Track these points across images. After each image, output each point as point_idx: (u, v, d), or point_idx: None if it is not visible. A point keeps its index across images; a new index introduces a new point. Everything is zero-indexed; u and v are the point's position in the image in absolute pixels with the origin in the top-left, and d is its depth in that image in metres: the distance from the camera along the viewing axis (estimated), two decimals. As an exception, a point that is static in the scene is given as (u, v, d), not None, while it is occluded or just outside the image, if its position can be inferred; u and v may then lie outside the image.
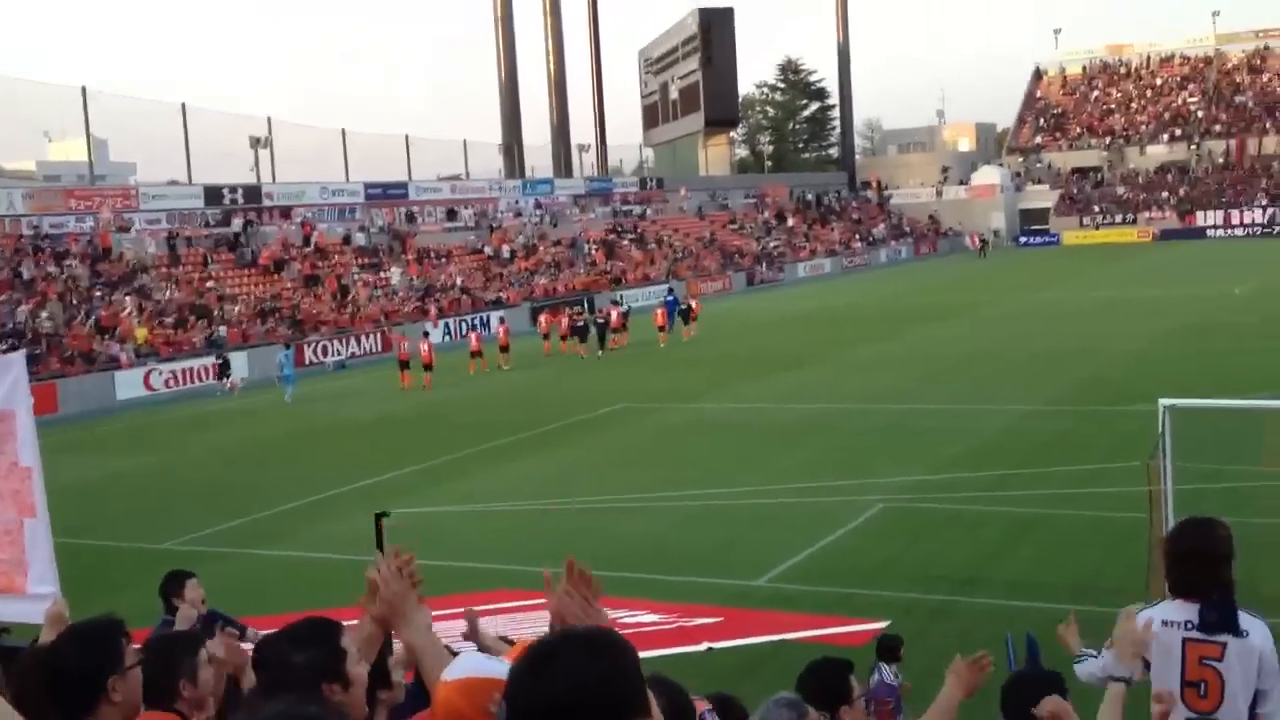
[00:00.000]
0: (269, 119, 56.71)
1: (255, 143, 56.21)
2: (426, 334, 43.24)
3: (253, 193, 53.26)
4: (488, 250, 59.80)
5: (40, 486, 8.09)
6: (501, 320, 47.03)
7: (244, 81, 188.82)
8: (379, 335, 46.17)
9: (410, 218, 59.58)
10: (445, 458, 24.97)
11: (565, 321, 43.51)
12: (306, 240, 52.39)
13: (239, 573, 16.85)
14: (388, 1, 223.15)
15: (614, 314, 44.57)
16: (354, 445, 27.75)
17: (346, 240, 54.65)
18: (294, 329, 44.12)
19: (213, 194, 51.23)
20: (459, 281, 53.93)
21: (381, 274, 52.29)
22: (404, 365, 37.10)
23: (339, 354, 44.33)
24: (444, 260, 56.60)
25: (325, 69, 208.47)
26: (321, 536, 19.07)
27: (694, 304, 47.71)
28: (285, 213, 53.73)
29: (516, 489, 21.49)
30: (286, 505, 21.49)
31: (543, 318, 45.35)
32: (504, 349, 40.37)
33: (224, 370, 38.80)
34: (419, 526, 18.33)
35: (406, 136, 63.26)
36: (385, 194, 59.88)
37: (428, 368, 36.89)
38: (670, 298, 48.76)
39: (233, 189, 52.47)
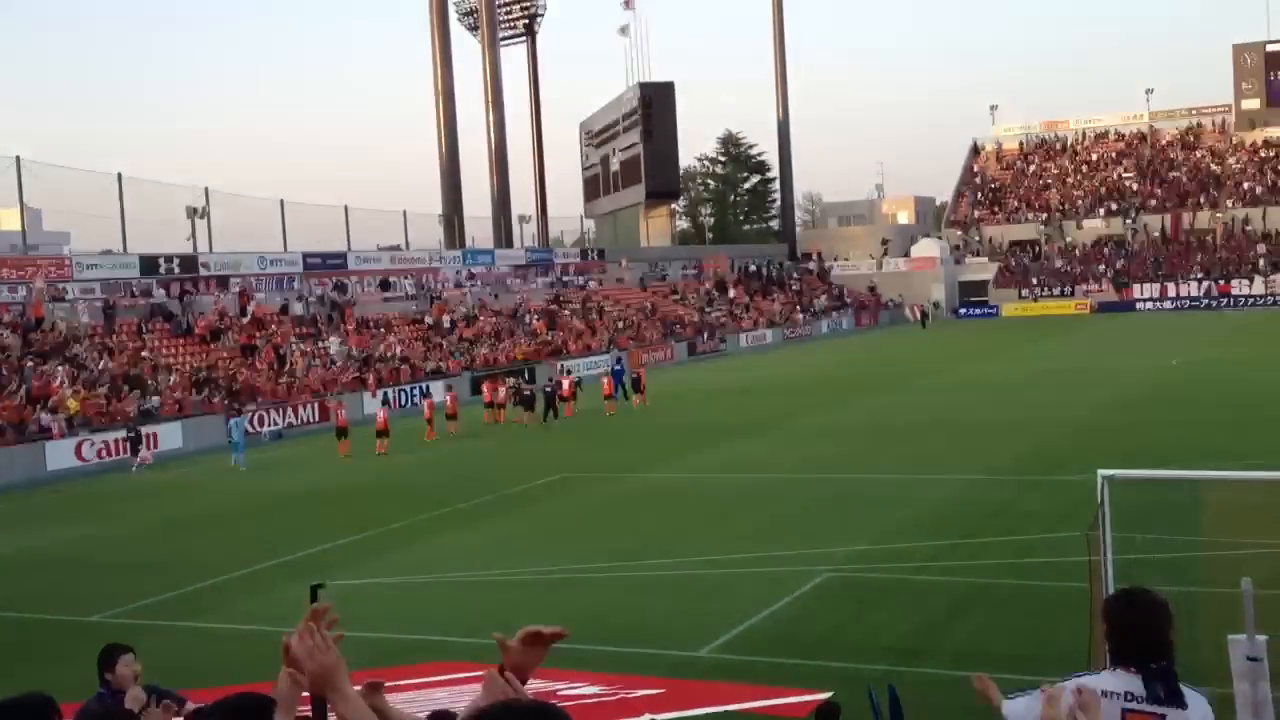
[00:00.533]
0: (206, 189, 56.35)
1: (193, 213, 55.74)
2: (386, 402, 43.78)
3: (189, 262, 52.68)
4: (428, 320, 59.49)
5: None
6: (449, 388, 46.59)
7: (182, 152, 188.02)
8: (316, 405, 45.60)
9: (342, 288, 59.01)
10: (382, 529, 24.51)
11: (503, 391, 43.39)
12: (243, 310, 51.82)
13: (169, 646, 16.31)
14: (327, 72, 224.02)
15: (565, 383, 44.72)
16: (290, 516, 27.22)
17: (284, 310, 54.15)
18: (230, 399, 43.46)
19: (149, 264, 50.59)
20: (399, 351, 53.52)
21: (320, 344, 51.78)
22: (341, 433, 37.02)
23: (276, 424, 43.69)
24: (383, 330, 56.20)
25: (265, 140, 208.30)
26: (255, 609, 18.56)
27: (640, 373, 47.77)
28: (222, 282, 53.16)
29: (454, 560, 21.09)
30: (220, 577, 20.94)
31: (485, 386, 44.99)
32: (451, 417, 40.61)
33: (134, 445, 37.60)
34: (355, 599, 17.91)
35: (346, 207, 63.13)
36: (324, 264, 59.48)
37: (382, 434, 36.92)
38: (617, 367, 48.78)
39: (169, 259, 51.87)
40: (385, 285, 61.78)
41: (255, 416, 43.18)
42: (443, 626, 16.81)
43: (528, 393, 43.57)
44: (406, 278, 63.56)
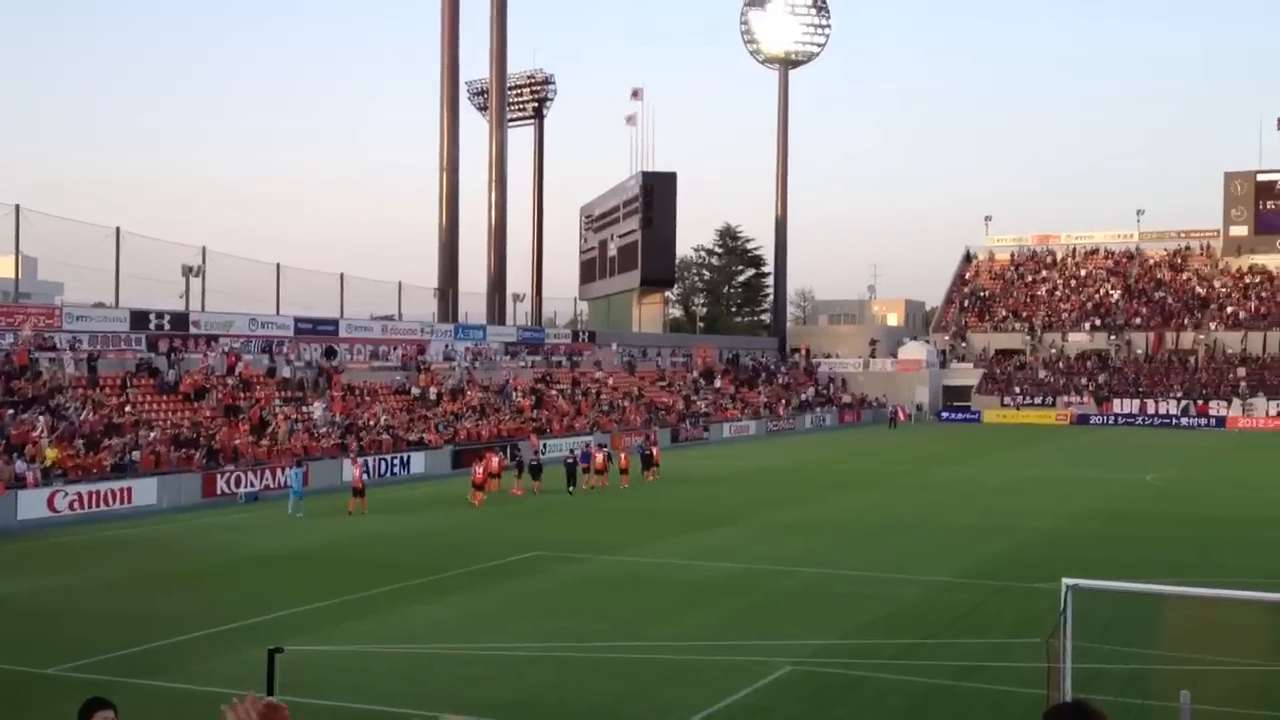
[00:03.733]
0: (203, 248, 56.71)
1: (188, 270, 55.98)
2: (366, 465, 44.42)
3: (180, 320, 52.88)
4: (414, 391, 59.62)
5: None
6: (484, 456, 45.41)
7: (181, 209, 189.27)
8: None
9: (331, 354, 59.23)
10: (349, 596, 24.46)
11: (496, 461, 43.71)
12: (231, 370, 51.93)
13: (125, 704, 16.10)
14: (336, 141, 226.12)
15: (598, 456, 46.86)
16: (258, 579, 27.15)
17: (271, 373, 54.26)
18: (209, 458, 43.42)
19: (139, 318, 50.78)
20: (383, 420, 53.58)
21: (304, 408, 51.83)
22: (358, 493, 38.69)
23: (253, 485, 43.61)
24: (369, 398, 56.30)
25: (265, 203, 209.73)
26: (213, 670, 18.50)
27: (655, 451, 50.99)
28: (211, 341, 53.31)
29: (417, 632, 21.06)
30: (181, 636, 20.84)
31: (477, 465, 44.10)
32: (359, 493, 38.98)
33: None
34: (313, 665, 17.90)
35: (341, 274, 63.49)
36: (315, 329, 59.72)
37: (359, 493, 38.14)
38: (640, 446, 52.84)
39: (160, 315, 52.05)
40: (378, 354, 62.02)
41: (233, 478, 43.13)
42: (396, 698, 16.77)
43: (535, 463, 45.23)
44: (397, 348, 63.81)
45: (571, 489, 43.74)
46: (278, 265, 59.51)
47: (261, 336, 56.47)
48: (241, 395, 50.48)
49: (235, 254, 61.20)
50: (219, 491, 42.22)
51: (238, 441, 45.51)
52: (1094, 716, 5.11)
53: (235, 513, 39.55)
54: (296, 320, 58.79)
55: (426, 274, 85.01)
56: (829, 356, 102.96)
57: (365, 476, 41.03)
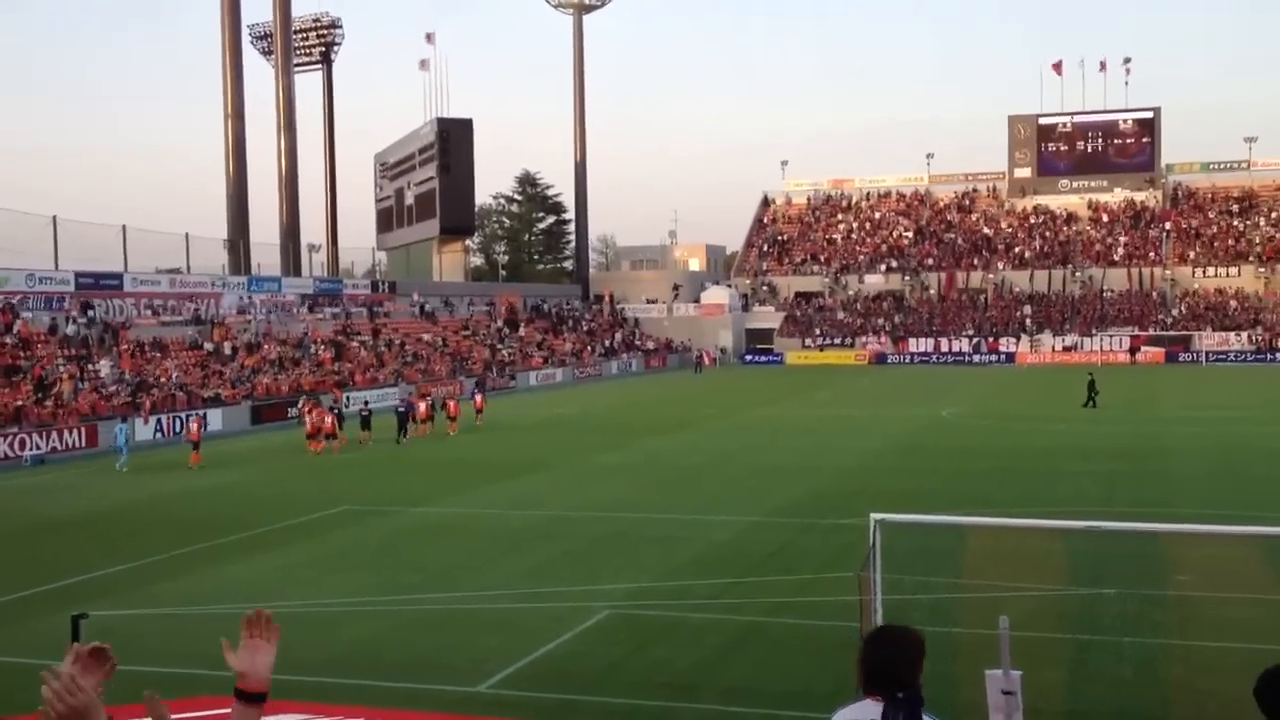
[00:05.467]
0: (-30, 200, 53.60)
1: (-44, 225, 52.91)
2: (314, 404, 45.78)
3: (-51, 276, 49.96)
4: (208, 346, 57.72)
5: None
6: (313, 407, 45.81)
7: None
8: (83, 429, 43.73)
9: (116, 310, 56.86)
10: (154, 558, 23.61)
11: (329, 419, 43.05)
12: (8, 329, 49.34)
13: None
14: (113, 85, 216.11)
15: (421, 405, 47.40)
16: (53, 543, 25.98)
17: (53, 330, 51.76)
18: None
19: (-97, 275, 47.79)
20: (175, 377, 51.73)
21: (90, 366, 49.64)
22: (311, 436, 41.10)
23: (39, 448, 41.65)
24: (159, 355, 54.25)
25: (37, 154, 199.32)
26: (12, 640, 17.63)
27: (478, 399, 52.31)
28: (-13, 298, 50.51)
29: (228, 592, 20.44)
30: (-30, 608, 19.81)
31: (310, 413, 43.92)
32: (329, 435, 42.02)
33: None
34: (122, 630, 17.20)
35: (124, 226, 60.94)
36: (98, 284, 57.14)
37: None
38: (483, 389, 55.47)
39: (-74, 270, 49.09)
40: (169, 309, 59.75)
41: (16, 440, 41.12)
42: (213, 661, 16.21)
43: (366, 413, 45.23)
44: (186, 302, 61.59)
45: (402, 439, 43.96)
46: (54, 218, 56.81)
47: (40, 293, 53.76)
48: (21, 354, 48.05)
49: (7, 207, 58.05)
50: (2, 455, 40.25)
51: (20, 403, 43.37)
52: (905, 635, 5.25)
53: (22, 476, 37.77)
54: (78, 275, 56.11)
55: (215, 225, 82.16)
56: (633, 302, 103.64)
57: (200, 428, 41.56)
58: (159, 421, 46.65)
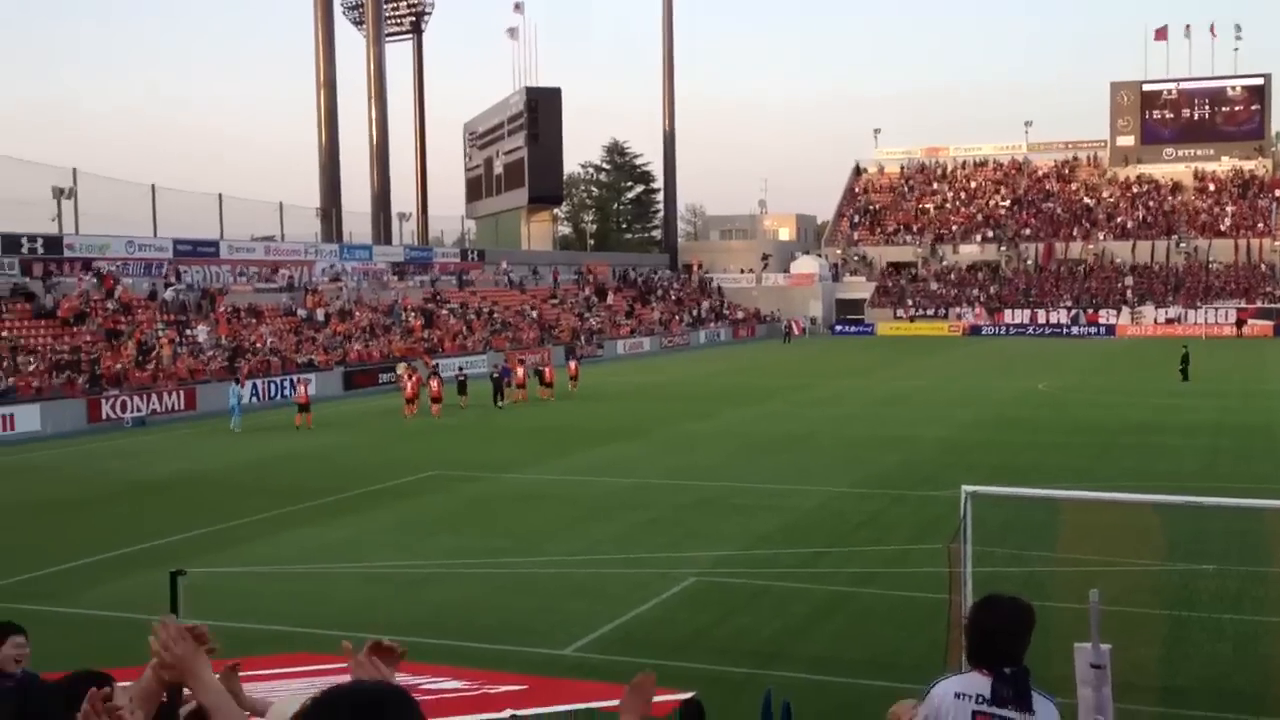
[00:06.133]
0: (74, 170, 54.72)
1: (59, 193, 54.07)
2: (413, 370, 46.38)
3: (54, 243, 51.06)
4: (301, 313, 58.53)
5: None
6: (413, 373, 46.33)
7: (50, 131, 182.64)
8: (181, 393, 44.61)
9: (219, 276, 57.94)
10: (248, 519, 24.02)
11: (435, 382, 43.41)
12: (110, 294, 50.42)
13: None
14: (207, 57, 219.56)
15: (519, 370, 47.83)
16: (151, 503, 26.54)
17: (152, 296, 52.81)
18: (92, 384, 42.24)
19: (10, 242, 48.91)
20: (269, 343, 52.55)
21: (188, 332, 50.59)
22: (303, 408, 40.28)
23: (139, 410, 42.55)
24: (254, 321, 55.13)
25: (138, 124, 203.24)
26: (113, 595, 18.05)
27: (573, 365, 52.55)
28: (87, 265, 51.61)
29: (320, 553, 20.74)
30: (76, 562, 20.34)
31: (408, 379, 44.62)
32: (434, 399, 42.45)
33: None
34: (216, 587, 17.51)
35: (220, 195, 61.83)
36: (195, 251, 58.12)
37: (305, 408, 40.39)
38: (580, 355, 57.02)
39: (32, 238, 50.20)
40: (264, 275, 60.71)
41: (118, 403, 42.05)
42: (303, 619, 16.50)
43: (463, 378, 46.20)
44: (281, 269, 62.48)
45: (500, 403, 44.71)
46: (153, 186, 57.85)
47: (140, 259, 54.82)
48: (122, 319, 49.11)
49: (109, 175, 59.19)
50: (104, 417, 41.23)
51: (121, 366, 44.33)
52: (1016, 607, 5.09)
53: (122, 438, 38.64)
54: (175, 242, 57.13)
55: (308, 194, 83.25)
56: (722, 272, 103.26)
57: (310, 392, 42.29)
58: (254, 386, 47.41)
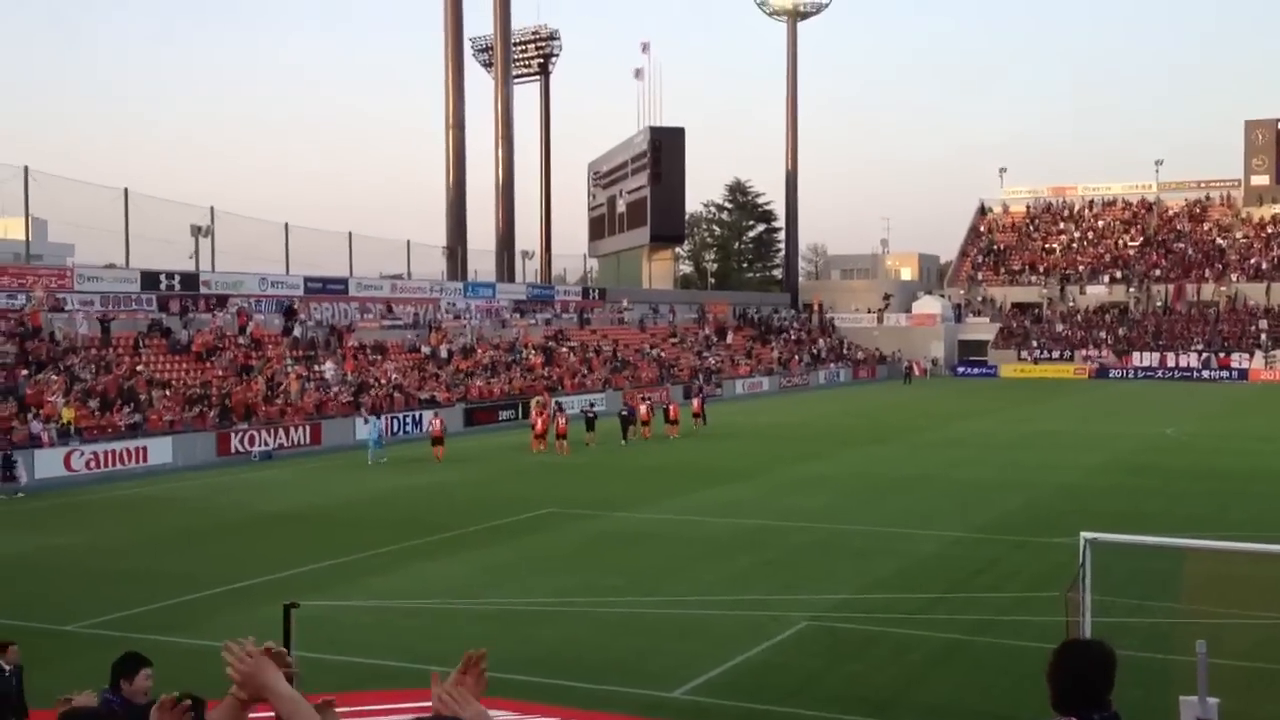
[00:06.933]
0: (211, 209, 56.52)
1: (196, 231, 55.86)
2: (544, 406, 47.35)
3: (190, 280, 52.77)
4: (425, 350, 59.54)
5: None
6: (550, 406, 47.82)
7: (187, 171, 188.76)
8: (308, 427, 45.64)
9: (347, 313, 59.29)
10: (365, 553, 24.44)
11: (562, 419, 44.23)
12: (242, 330, 51.89)
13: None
14: (340, 99, 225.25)
15: (642, 408, 48.64)
16: (274, 536, 27.16)
17: (285, 332, 54.20)
18: (223, 417, 43.45)
19: (150, 279, 50.69)
20: (393, 378, 53.54)
21: (315, 367, 51.79)
22: (437, 441, 41.85)
23: (266, 444, 43.63)
24: (379, 357, 56.24)
25: (272, 163, 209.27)
26: (229, 626, 18.44)
27: (696, 403, 53.50)
28: (222, 301, 53.23)
29: (434, 588, 21.02)
30: (198, 593, 20.87)
31: (539, 415, 45.67)
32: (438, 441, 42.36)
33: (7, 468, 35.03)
34: (332, 620, 17.86)
35: (350, 233, 63.29)
36: (325, 288, 59.58)
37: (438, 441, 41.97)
38: (704, 394, 58.12)
39: (170, 275, 51.95)
40: (390, 312, 61.98)
41: (246, 436, 43.17)
42: (414, 655, 16.70)
43: (592, 415, 46.98)
44: (406, 306, 63.69)
45: (625, 440, 45.51)
46: (285, 225, 59.47)
47: (272, 296, 56.35)
48: (253, 354, 50.47)
49: (243, 214, 61.01)
50: (233, 450, 42.32)
51: (251, 400, 45.52)
52: (1100, 652, 5.00)
53: (250, 471, 39.62)
54: (306, 279, 58.65)
55: (435, 233, 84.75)
56: (842, 311, 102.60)
57: (443, 425, 43.61)
58: (379, 421, 48.29)
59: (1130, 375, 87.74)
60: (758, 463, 39.37)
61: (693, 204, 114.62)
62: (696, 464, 39.51)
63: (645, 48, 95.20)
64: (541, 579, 21.93)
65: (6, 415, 37.59)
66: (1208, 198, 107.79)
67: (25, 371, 40.91)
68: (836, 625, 18.50)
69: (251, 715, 3.76)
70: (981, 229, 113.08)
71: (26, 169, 47.97)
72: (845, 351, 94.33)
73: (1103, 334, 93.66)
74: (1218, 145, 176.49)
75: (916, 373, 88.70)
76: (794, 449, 43.45)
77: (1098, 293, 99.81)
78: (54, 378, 40.99)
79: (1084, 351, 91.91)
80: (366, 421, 44.48)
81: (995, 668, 16.30)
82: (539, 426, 44.05)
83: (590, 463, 40.71)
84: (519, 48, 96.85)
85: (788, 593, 20.45)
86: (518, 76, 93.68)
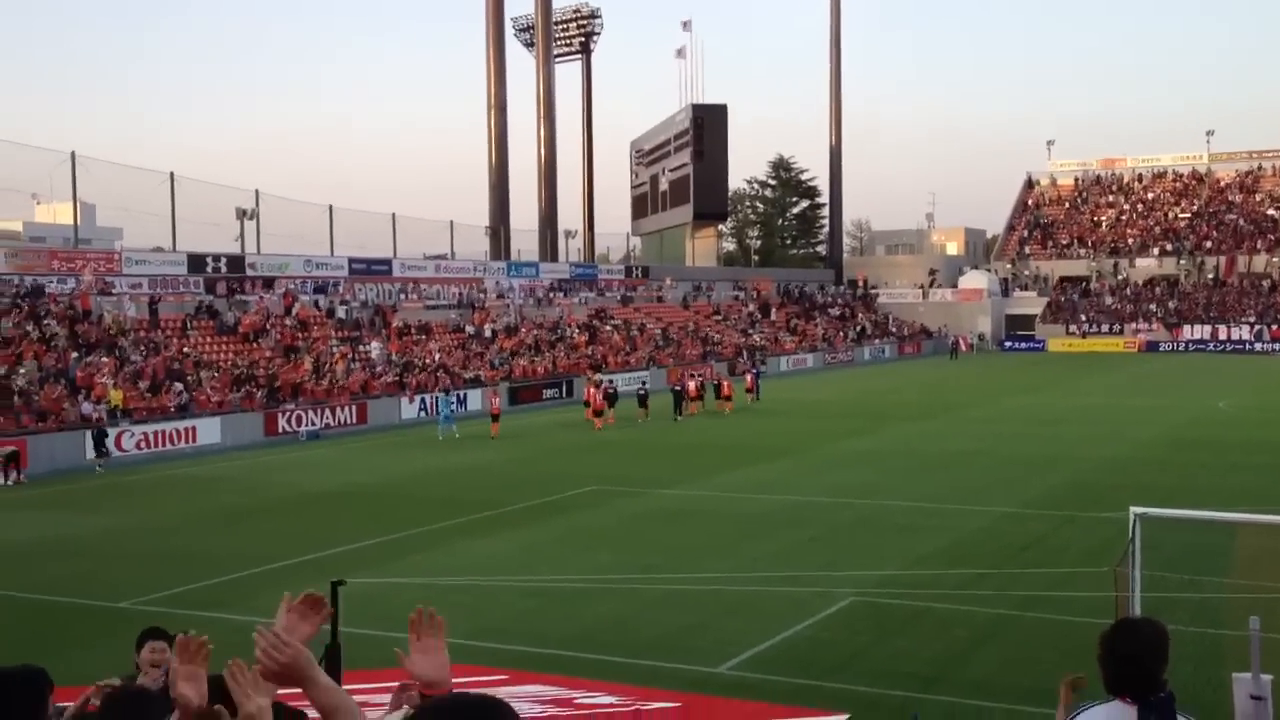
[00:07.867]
0: (257, 191, 56.97)
1: (242, 214, 56.30)
2: (600, 383, 48.12)
3: (236, 263, 53.19)
4: (469, 329, 59.73)
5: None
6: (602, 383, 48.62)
7: (233, 154, 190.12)
8: (354, 407, 45.93)
9: (391, 294, 59.61)
10: (413, 530, 24.60)
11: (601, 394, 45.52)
12: (288, 311, 52.25)
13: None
14: (382, 80, 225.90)
15: (690, 385, 49.36)
16: (320, 514, 27.37)
17: (330, 313, 54.54)
18: (269, 398, 43.78)
19: (196, 262, 51.15)
20: (438, 358, 53.75)
21: (361, 347, 52.08)
22: (495, 418, 42.81)
23: (313, 424, 43.95)
24: (424, 337, 56.48)
25: (316, 145, 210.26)
26: (277, 603, 18.59)
27: (749, 378, 54.96)
28: (268, 283, 53.62)
29: (479, 565, 21.10)
30: (247, 571, 21.05)
31: (590, 391, 46.76)
32: (598, 413, 44.54)
33: (100, 445, 36.28)
34: (377, 598, 17.96)
35: (393, 215, 63.60)
36: (369, 270, 59.89)
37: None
38: (757, 369, 58.83)
39: (216, 258, 52.39)
40: (434, 292, 62.23)
41: (294, 416, 43.49)
42: (460, 632, 16.74)
43: (643, 392, 47.66)
44: (450, 286, 63.90)
45: (678, 417, 46.37)
46: (330, 207, 59.82)
47: (317, 277, 56.72)
48: (299, 335, 50.82)
49: (288, 196, 61.46)
50: (280, 430, 42.65)
51: (298, 380, 45.85)
52: (1154, 632, 4.90)
53: (297, 450, 39.92)
54: (351, 261, 58.99)
55: (478, 213, 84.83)
56: (887, 287, 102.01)
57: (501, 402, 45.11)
58: (423, 400, 48.52)
59: (1181, 349, 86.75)
60: (802, 439, 39.25)
61: (736, 181, 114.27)
62: (740, 441, 39.44)
63: (686, 25, 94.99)
64: (585, 556, 21.97)
65: (57, 397, 38.06)
66: (1259, 168, 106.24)
67: (75, 354, 41.39)
68: (882, 601, 18.40)
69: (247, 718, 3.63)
70: (1029, 202, 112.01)
71: (74, 154, 48.50)
72: (890, 327, 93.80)
73: (1152, 307, 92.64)
74: (1270, 115, 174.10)
75: (963, 348, 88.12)
76: (838, 425, 43.28)
77: (1147, 265, 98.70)
78: (104, 360, 41.44)
79: (1134, 325, 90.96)
80: (447, 393, 46.41)
81: (1043, 643, 16.15)
82: (596, 403, 44.54)
83: (633, 440, 40.73)
84: (560, 26, 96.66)
85: (833, 569, 20.36)
86: (559, 55, 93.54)
